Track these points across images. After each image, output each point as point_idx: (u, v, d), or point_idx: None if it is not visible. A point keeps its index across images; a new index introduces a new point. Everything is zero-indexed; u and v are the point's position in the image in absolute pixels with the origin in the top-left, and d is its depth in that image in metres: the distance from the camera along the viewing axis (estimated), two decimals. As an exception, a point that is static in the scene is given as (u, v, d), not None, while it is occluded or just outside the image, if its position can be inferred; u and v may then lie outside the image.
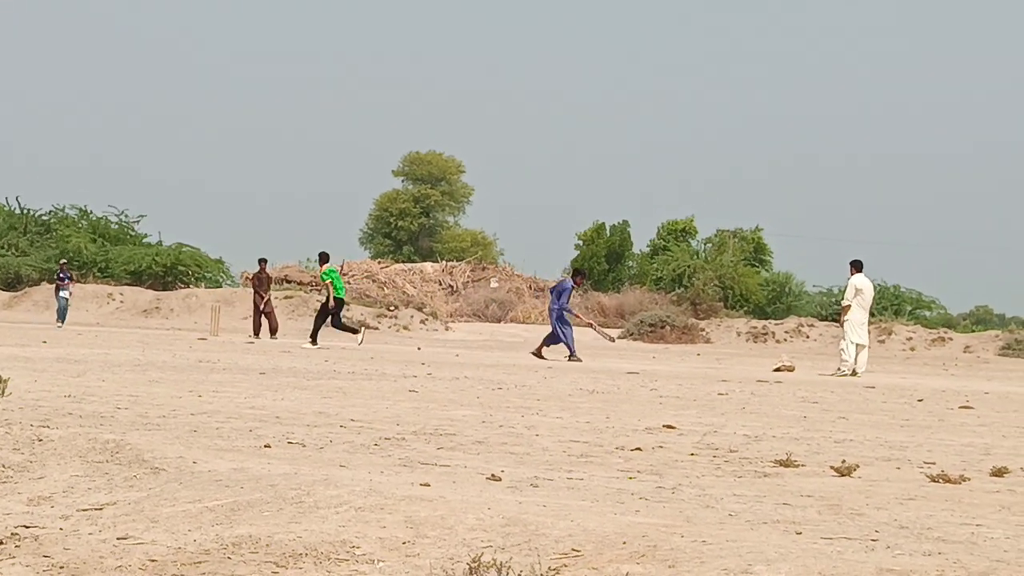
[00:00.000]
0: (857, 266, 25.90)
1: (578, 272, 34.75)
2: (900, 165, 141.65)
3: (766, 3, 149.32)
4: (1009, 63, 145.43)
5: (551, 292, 31.80)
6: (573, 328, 30.54)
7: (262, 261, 39.20)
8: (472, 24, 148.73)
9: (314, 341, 31.77)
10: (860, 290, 25.82)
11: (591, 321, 32.21)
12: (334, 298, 32.22)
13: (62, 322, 42.33)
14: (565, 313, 30.27)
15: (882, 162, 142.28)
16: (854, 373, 25.30)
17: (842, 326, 26.11)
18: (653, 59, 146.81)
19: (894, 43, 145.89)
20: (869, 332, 27.15)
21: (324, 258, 33.40)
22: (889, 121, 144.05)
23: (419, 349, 34.00)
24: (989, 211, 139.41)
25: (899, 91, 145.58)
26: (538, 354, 29.12)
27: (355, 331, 33.56)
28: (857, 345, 25.63)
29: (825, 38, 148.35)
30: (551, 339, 29.76)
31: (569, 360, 28.44)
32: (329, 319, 32.36)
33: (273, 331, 37.53)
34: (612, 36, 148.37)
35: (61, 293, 43.41)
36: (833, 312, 51.32)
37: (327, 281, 32.63)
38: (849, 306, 25.69)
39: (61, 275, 44.22)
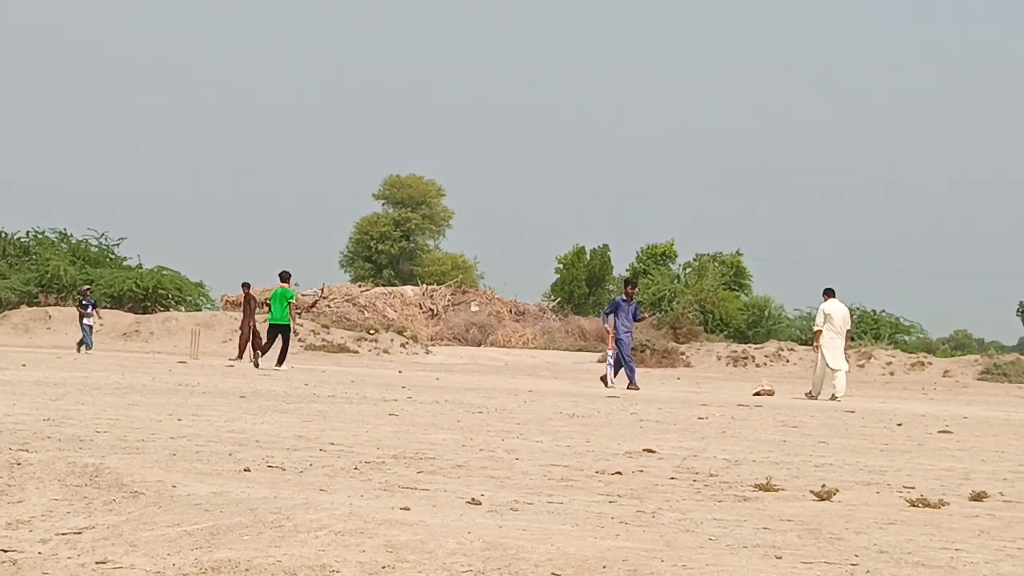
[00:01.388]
0: (830, 293, 26.66)
1: (627, 282, 30.77)
2: (880, 192, 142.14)
3: (746, 21, 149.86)
4: (982, 98, 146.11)
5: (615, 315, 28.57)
6: (622, 351, 28.26)
7: (244, 285, 39.59)
8: (453, 48, 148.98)
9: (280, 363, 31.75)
10: (829, 315, 26.36)
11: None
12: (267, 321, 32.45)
13: (88, 349, 41.94)
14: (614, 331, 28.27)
15: (863, 189, 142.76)
16: (833, 398, 25.53)
17: (816, 351, 26.57)
18: (635, 82, 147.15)
19: (882, 75, 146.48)
20: (848, 356, 27.37)
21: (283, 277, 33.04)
22: (870, 150, 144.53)
23: (400, 372, 33.95)
24: (967, 238, 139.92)
25: (881, 122, 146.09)
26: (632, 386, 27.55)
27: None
28: (834, 370, 25.90)
29: (811, 63, 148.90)
30: (628, 367, 28.20)
31: (606, 384, 27.77)
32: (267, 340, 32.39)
33: (241, 352, 37.89)
34: (594, 58, 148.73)
35: (85, 321, 43.01)
36: (810, 337, 51.41)
37: (292, 301, 32.35)
38: (820, 331, 26.21)
39: (84, 302, 43.64)
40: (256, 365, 31.50)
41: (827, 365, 25.98)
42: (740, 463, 10.94)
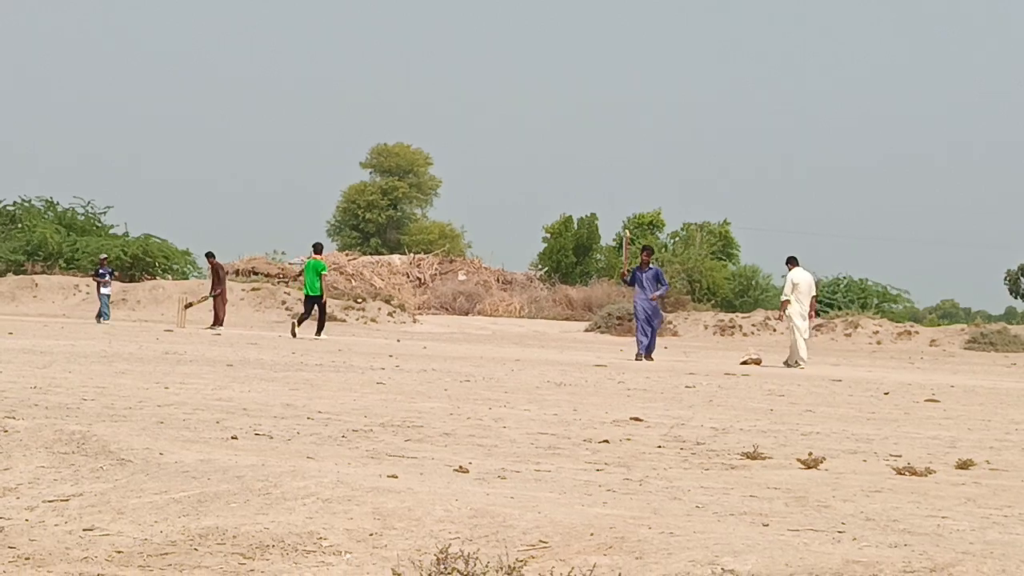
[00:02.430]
0: (793, 262, 26.88)
1: (643, 249, 29.41)
2: (869, 162, 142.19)
3: (740, 6, 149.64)
4: (976, 65, 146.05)
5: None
6: (654, 322, 27.37)
7: (208, 255, 39.76)
8: (441, 18, 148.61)
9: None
10: (796, 284, 26.47)
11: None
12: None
13: (106, 319, 41.72)
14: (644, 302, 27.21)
15: (851, 159, 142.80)
16: (797, 364, 25.78)
17: (781, 319, 26.84)
18: (621, 54, 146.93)
19: (866, 49, 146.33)
20: (811, 321, 27.51)
21: (316, 249, 33.98)
22: (858, 121, 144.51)
23: (398, 341, 33.93)
24: (955, 207, 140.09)
25: (869, 94, 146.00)
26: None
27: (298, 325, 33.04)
28: (802, 338, 26.18)
29: (798, 32, 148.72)
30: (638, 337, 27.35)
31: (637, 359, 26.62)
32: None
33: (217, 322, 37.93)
34: (580, 31, 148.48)
35: (103, 290, 42.80)
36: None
37: (324, 273, 33.04)
38: (788, 301, 26.38)
39: (101, 271, 43.45)
40: (293, 335, 31.76)
41: (798, 332, 26.20)
42: (727, 431, 10.96)
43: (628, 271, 28.44)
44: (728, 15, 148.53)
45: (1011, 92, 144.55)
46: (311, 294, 32.85)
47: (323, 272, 32.84)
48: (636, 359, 26.55)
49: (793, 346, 26.41)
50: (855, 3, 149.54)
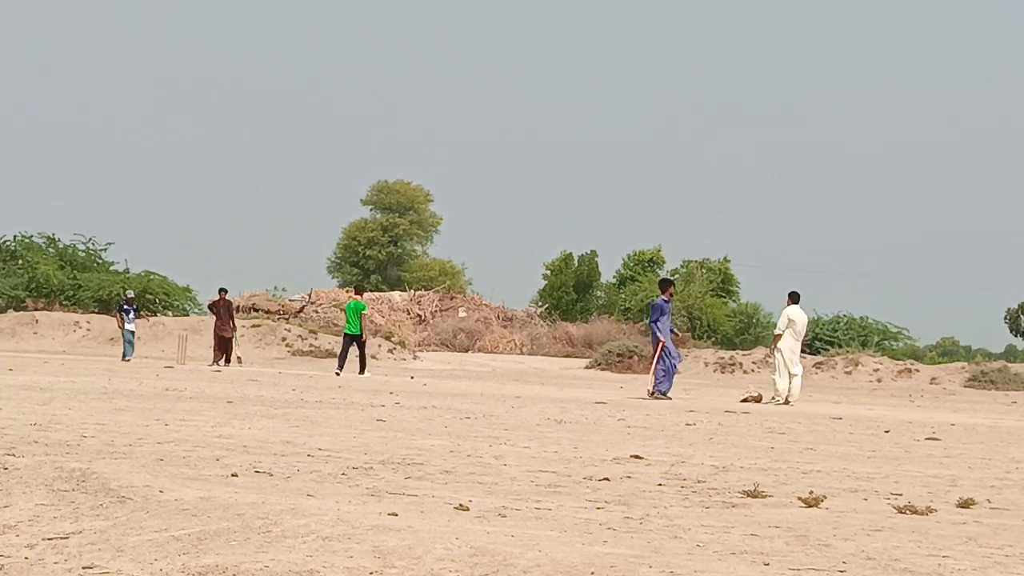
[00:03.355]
0: (794, 297, 26.96)
1: (664, 282, 28.92)
2: (869, 199, 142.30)
3: (737, 23, 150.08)
4: (976, 97, 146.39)
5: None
6: (673, 358, 26.83)
7: (222, 290, 39.97)
8: (441, 55, 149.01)
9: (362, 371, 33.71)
10: (793, 320, 26.58)
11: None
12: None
13: (129, 356, 41.53)
14: (659, 335, 26.59)
15: (850, 195, 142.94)
16: (787, 402, 25.75)
17: (771, 355, 26.86)
18: (622, 91, 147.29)
19: (867, 81, 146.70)
20: (801, 360, 27.54)
21: (358, 290, 35.65)
22: (856, 155, 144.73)
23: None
24: (955, 244, 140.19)
25: (867, 126, 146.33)
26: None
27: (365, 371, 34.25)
28: (791, 375, 26.13)
29: (796, 75, 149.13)
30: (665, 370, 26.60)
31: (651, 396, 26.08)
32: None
33: (229, 358, 38.22)
34: (581, 67, 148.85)
35: (127, 326, 42.73)
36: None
37: (364, 312, 34.22)
38: (780, 335, 26.33)
39: (126, 307, 43.07)
40: (337, 374, 32.67)
41: (786, 369, 26.17)
42: (728, 469, 10.94)
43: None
44: (727, 53, 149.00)
45: (1010, 129, 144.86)
46: (351, 333, 33.88)
47: (363, 312, 34.01)
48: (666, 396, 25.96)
49: (775, 382, 26.40)
50: (854, 32, 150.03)
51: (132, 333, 42.46)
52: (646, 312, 27.33)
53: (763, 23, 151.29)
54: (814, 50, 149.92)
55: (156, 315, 60.22)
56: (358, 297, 34.68)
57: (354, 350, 34.20)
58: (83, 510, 7.22)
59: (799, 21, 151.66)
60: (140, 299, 61.13)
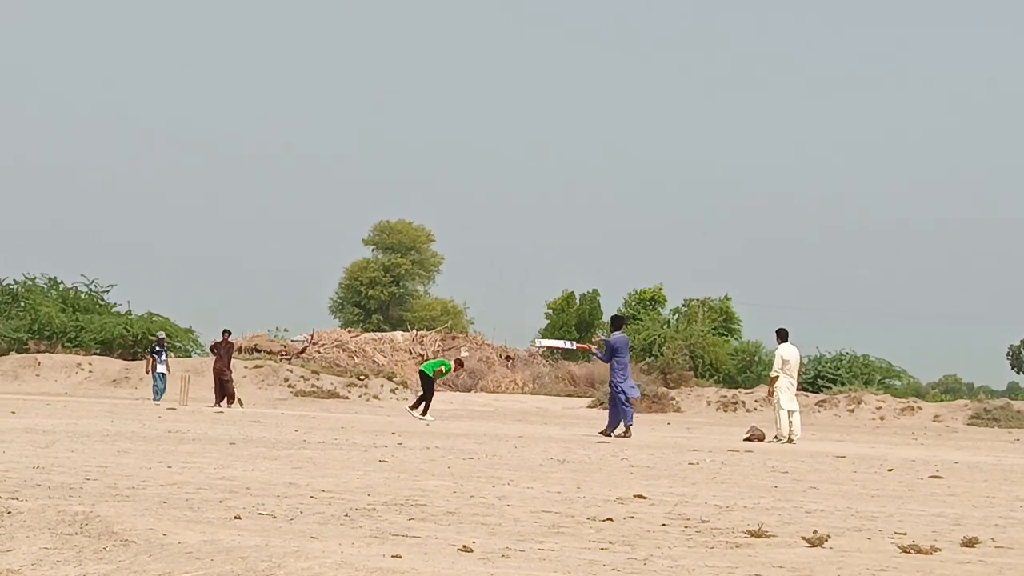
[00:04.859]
0: (783, 335, 26.90)
1: (615, 319, 28.26)
2: (869, 236, 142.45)
3: (730, 62, 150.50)
4: (970, 136, 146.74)
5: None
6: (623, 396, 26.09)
7: (226, 332, 40.06)
8: (441, 94, 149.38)
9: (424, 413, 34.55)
10: (787, 360, 26.55)
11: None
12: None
13: (159, 399, 41.59)
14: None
15: (851, 233, 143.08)
16: (790, 440, 25.78)
17: (770, 396, 26.91)
18: (622, 130, 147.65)
19: (864, 116, 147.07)
20: (802, 397, 27.57)
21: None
22: (855, 194, 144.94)
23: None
24: (957, 282, 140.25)
25: (868, 166, 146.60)
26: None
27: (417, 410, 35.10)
28: (789, 412, 26.17)
29: (795, 109, 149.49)
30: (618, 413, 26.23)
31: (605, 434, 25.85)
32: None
33: (231, 399, 38.23)
34: (579, 102, 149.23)
35: (159, 369, 42.65)
36: (802, 381, 51.33)
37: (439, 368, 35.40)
38: (776, 377, 26.37)
39: (158, 349, 43.22)
40: (422, 416, 33.97)
41: (783, 408, 26.21)
42: (731, 509, 10.93)
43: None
44: (724, 92, 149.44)
45: (1011, 168, 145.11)
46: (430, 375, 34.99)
47: (438, 367, 35.49)
48: (626, 435, 25.77)
49: (776, 421, 26.44)
50: (847, 70, 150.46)
51: (164, 376, 42.49)
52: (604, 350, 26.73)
53: (760, 62, 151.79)
54: (812, 87, 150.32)
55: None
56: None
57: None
58: (86, 554, 7.22)
59: (802, 56, 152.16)
60: (142, 340, 61.20)
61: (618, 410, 26.02)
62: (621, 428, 25.91)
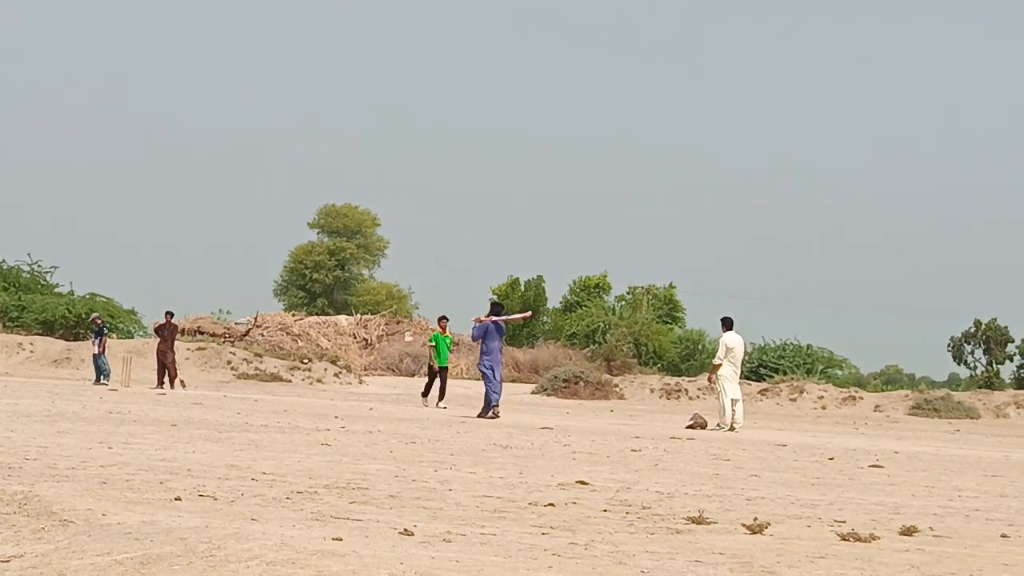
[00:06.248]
0: (727, 323, 26.95)
1: (494, 305, 30.65)
2: (812, 224, 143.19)
3: (681, 60, 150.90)
4: (913, 131, 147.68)
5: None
6: (496, 375, 28.94)
7: (168, 314, 39.87)
8: (389, 80, 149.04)
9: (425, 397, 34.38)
10: (731, 348, 26.59)
11: None
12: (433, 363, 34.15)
13: (97, 380, 41.26)
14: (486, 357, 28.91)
15: (794, 221, 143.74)
16: (732, 428, 25.86)
17: (711, 383, 27.04)
18: (567, 115, 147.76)
19: (811, 102, 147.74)
20: (746, 385, 27.70)
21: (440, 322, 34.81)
22: (804, 187, 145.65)
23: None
24: (898, 272, 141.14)
25: (811, 150, 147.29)
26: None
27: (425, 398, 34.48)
28: (732, 400, 26.24)
29: (734, 94, 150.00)
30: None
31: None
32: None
33: (172, 380, 38.12)
34: (526, 85, 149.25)
35: (95, 351, 42.29)
36: (745, 370, 51.51)
37: (431, 344, 34.20)
38: (720, 364, 26.46)
39: (105, 330, 43.01)
40: (437, 405, 33.43)
41: (726, 395, 26.29)
42: (672, 496, 10.96)
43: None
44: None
45: (961, 168, 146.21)
46: (444, 366, 34.16)
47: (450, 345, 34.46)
48: (494, 415, 27.37)
49: (720, 409, 26.51)
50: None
51: (104, 358, 42.27)
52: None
53: (711, 50, 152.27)
54: (766, 90, 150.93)
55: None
56: (447, 333, 34.51)
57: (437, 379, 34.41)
58: (24, 533, 7.17)
59: (754, 52, 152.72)
60: (84, 321, 60.82)
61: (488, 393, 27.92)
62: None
